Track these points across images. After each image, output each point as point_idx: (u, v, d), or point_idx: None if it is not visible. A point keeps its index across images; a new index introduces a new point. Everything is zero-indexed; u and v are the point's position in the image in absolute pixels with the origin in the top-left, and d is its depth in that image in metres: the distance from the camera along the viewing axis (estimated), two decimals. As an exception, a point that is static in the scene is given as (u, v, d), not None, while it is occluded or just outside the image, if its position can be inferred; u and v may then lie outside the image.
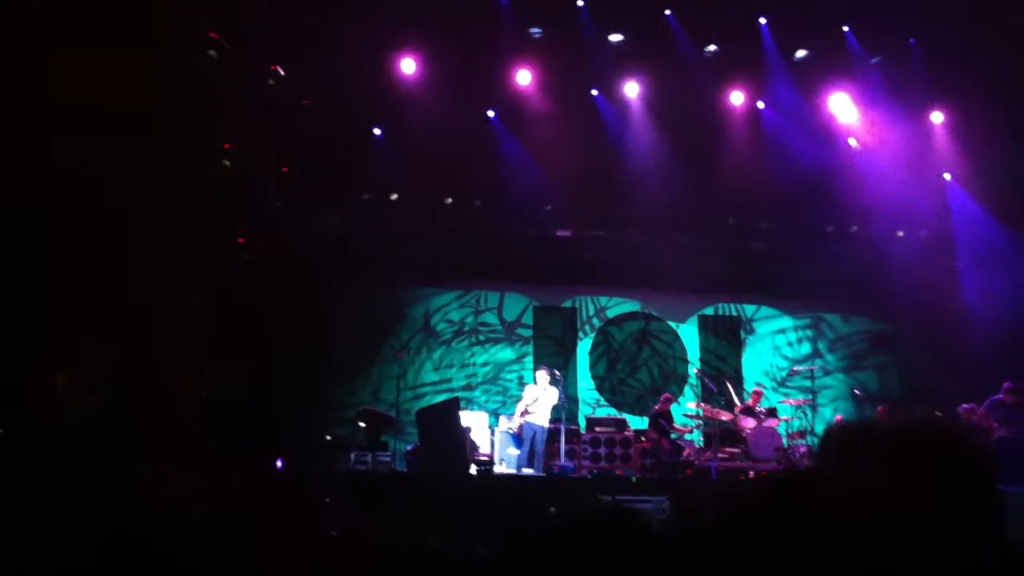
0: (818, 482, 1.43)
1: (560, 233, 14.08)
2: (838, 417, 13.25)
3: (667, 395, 12.73)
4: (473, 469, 10.32)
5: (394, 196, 13.54)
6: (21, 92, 7.85)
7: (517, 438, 11.39)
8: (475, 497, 9.24)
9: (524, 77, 12.48)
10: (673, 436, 11.94)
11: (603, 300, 14.75)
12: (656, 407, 12.28)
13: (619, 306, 14.80)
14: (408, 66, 12.13)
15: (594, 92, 13.02)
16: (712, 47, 12.42)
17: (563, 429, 11.48)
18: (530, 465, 11.05)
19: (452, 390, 13.38)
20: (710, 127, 13.03)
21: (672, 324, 14.85)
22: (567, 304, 14.70)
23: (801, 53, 12.56)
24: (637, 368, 14.63)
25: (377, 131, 12.79)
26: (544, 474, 10.90)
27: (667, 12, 11.96)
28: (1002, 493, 1.42)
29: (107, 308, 8.42)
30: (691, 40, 12.22)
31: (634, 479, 10.74)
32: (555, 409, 11.43)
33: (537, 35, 12.18)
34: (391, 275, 13.43)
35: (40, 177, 8.06)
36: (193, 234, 9.61)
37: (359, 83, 11.94)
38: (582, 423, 12.93)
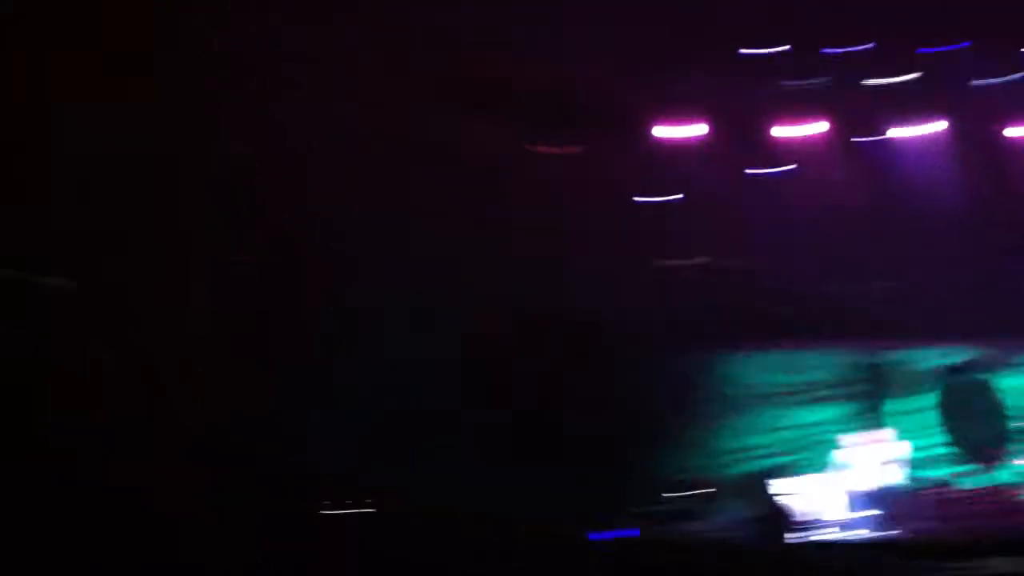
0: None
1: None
2: None
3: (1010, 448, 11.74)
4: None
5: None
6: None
7: (860, 499, 11.04)
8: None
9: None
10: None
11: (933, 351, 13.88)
12: (1001, 460, 11.29)
13: (951, 356, 13.86)
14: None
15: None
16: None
17: (911, 488, 10.99)
18: (879, 527, 10.69)
19: (773, 454, 13.11)
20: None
21: (1006, 374, 13.61)
22: (889, 357, 14.00)
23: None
24: (977, 420, 13.55)
25: None
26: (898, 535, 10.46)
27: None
28: None
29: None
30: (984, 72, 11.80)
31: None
32: (894, 467, 10.99)
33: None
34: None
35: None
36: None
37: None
38: (924, 479, 12.14)
